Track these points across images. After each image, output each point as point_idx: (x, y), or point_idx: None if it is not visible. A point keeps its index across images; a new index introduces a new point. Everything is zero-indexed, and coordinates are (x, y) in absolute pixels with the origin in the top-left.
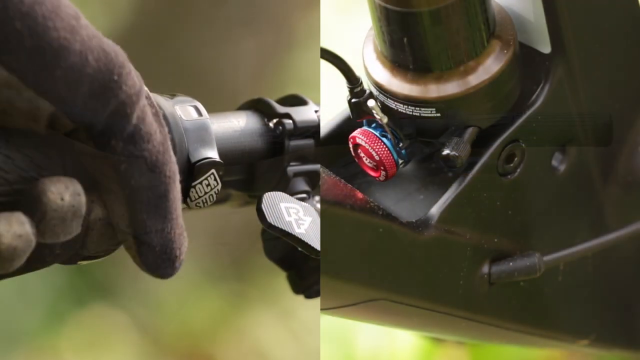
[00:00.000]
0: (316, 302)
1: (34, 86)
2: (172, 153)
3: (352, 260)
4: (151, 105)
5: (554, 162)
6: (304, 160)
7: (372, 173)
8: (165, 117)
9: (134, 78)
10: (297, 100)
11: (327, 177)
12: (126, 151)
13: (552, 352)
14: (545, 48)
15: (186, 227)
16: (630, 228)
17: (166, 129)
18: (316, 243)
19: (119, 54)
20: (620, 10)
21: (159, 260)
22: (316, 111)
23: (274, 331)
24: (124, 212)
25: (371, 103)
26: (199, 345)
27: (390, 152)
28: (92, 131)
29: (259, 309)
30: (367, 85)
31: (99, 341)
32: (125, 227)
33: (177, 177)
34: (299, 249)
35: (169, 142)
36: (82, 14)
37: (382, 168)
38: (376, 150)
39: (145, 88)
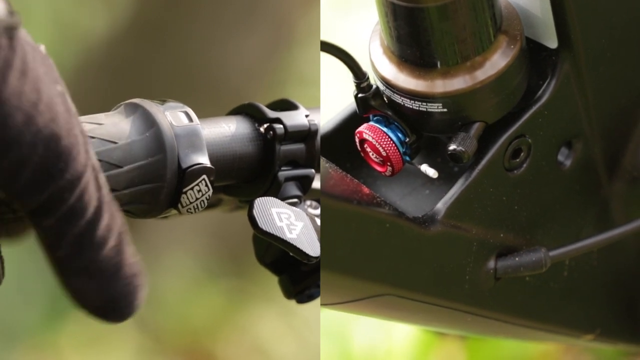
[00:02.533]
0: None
1: None
2: (108, 207)
3: (358, 255)
4: (94, 169)
5: (560, 157)
6: (295, 165)
7: (379, 168)
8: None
9: (80, 157)
10: (288, 105)
11: (333, 172)
12: (56, 229)
13: (548, 346)
14: (552, 43)
15: (186, 223)
16: (635, 223)
17: (104, 190)
18: (308, 248)
19: (71, 134)
20: (627, 5)
21: (98, 313)
22: (307, 115)
23: (274, 327)
24: (54, 273)
25: (375, 96)
26: (199, 341)
27: (397, 147)
28: (26, 208)
29: (259, 306)
30: (373, 80)
31: (98, 338)
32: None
33: (111, 232)
34: (291, 254)
35: (105, 193)
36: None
37: (388, 163)
38: (383, 145)
39: (94, 160)
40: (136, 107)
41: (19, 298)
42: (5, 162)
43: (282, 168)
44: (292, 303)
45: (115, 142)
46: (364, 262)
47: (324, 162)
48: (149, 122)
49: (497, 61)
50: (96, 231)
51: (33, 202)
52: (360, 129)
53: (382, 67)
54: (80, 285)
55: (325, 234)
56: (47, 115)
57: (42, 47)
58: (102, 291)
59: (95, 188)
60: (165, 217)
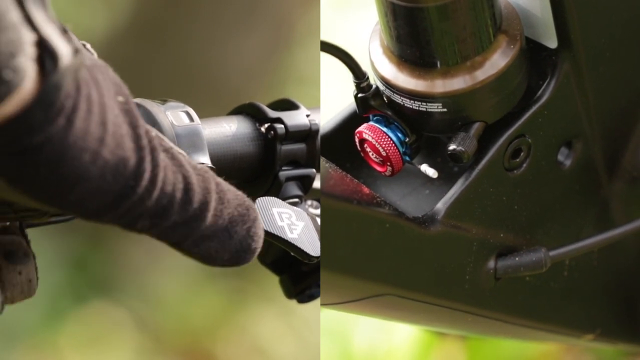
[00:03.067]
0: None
1: (46, 205)
2: (193, 174)
3: (359, 255)
4: (165, 149)
5: (560, 157)
6: (296, 164)
7: (379, 168)
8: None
9: (149, 164)
10: (289, 105)
11: (333, 172)
12: (152, 228)
13: (548, 346)
14: (552, 43)
15: None
16: (635, 223)
17: (182, 158)
18: (309, 248)
19: (138, 148)
20: (627, 4)
21: (236, 262)
22: (307, 115)
23: (274, 327)
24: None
25: (375, 96)
26: (198, 341)
27: (397, 147)
28: (107, 223)
29: (259, 306)
30: (373, 80)
31: (98, 338)
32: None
33: (206, 196)
34: (292, 253)
35: (187, 167)
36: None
37: (388, 163)
38: (383, 145)
39: (159, 136)
40: (137, 106)
41: None
42: (72, 196)
43: (283, 168)
44: (292, 303)
45: None
46: (364, 262)
47: (324, 162)
48: (150, 122)
49: (497, 61)
50: (192, 205)
51: (109, 221)
52: (360, 129)
53: (382, 67)
54: (204, 251)
55: (325, 234)
56: (113, 144)
57: (89, 46)
58: (225, 246)
59: (176, 168)
60: None
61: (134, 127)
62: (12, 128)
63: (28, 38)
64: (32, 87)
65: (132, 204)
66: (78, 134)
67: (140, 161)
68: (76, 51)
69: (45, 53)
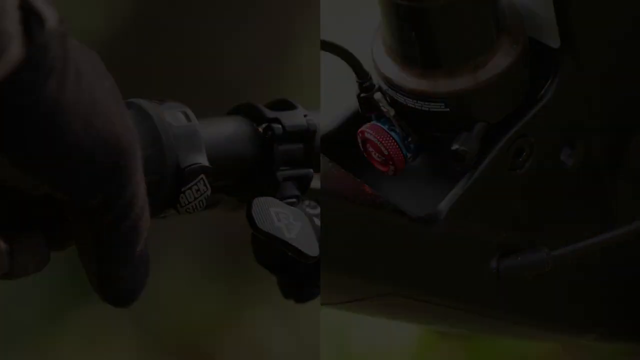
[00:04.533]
0: (316, 298)
1: (35, 178)
2: (145, 199)
3: (361, 255)
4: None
5: (563, 157)
6: (293, 164)
7: (381, 168)
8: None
9: (136, 157)
10: (286, 105)
11: (336, 171)
12: (112, 225)
13: (548, 346)
14: (555, 42)
15: (185, 222)
16: (638, 223)
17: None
18: (306, 248)
19: (128, 131)
20: (629, 4)
21: (121, 300)
22: (305, 115)
23: (273, 327)
24: (93, 263)
25: (377, 96)
26: (198, 342)
27: (399, 146)
28: (83, 207)
29: (259, 306)
30: (376, 80)
31: (97, 338)
32: (93, 272)
33: (147, 223)
34: (289, 254)
35: (145, 187)
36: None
37: (390, 162)
38: (385, 144)
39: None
40: (130, 104)
41: (17, 298)
42: (66, 167)
43: (281, 168)
44: (292, 303)
45: None
46: (367, 261)
47: (326, 162)
48: (147, 121)
49: (500, 61)
50: (141, 223)
51: (93, 201)
52: (363, 128)
53: (384, 66)
54: (115, 274)
55: (327, 233)
56: (104, 117)
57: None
58: (131, 280)
59: (143, 180)
60: (164, 217)
61: (123, 108)
62: (2, 90)
63: (11, 1)
64: (20, 49)
65: (119, 185)
66: (70, 98)
67: (130, 142)
68: (62, 20)
69: (31, 16)
